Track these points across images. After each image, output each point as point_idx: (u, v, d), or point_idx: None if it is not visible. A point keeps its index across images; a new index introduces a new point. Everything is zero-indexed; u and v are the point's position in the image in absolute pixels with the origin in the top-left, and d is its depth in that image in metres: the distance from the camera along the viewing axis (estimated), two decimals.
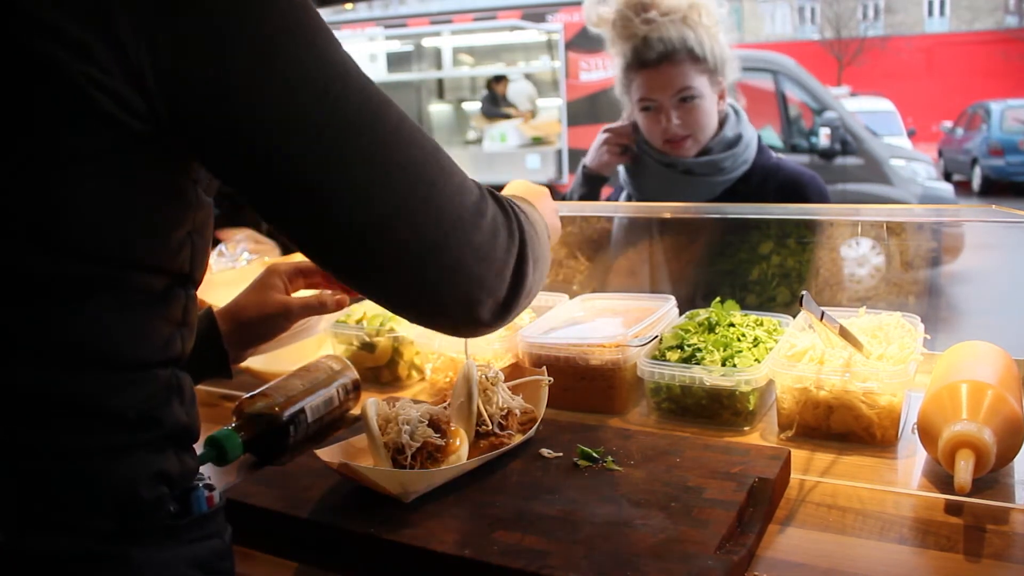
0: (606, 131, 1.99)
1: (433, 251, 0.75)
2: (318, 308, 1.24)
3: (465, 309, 0.80)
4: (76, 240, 0.67)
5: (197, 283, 0.81)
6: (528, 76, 10.52)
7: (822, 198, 1.95)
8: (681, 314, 1.51)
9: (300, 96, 0.69)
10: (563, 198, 2.10)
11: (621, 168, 2.06)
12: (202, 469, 0.84)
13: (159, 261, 0.74)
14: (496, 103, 9.57)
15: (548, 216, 1.04)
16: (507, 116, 9.36)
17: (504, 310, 0.83)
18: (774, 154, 2.01)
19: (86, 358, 0.69)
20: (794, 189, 1.91)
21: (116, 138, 0.66)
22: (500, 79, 9.73)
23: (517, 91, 9.62)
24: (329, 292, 1.27)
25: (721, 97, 1.93)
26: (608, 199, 2.19)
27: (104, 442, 0.70)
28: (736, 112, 1.96)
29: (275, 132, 0.69)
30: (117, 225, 0.69)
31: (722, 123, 1.93)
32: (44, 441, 0.68)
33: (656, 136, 1.92)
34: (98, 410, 0.70)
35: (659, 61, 1.84)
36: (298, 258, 1.34)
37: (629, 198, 2.07)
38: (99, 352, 0.70)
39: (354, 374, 1.40)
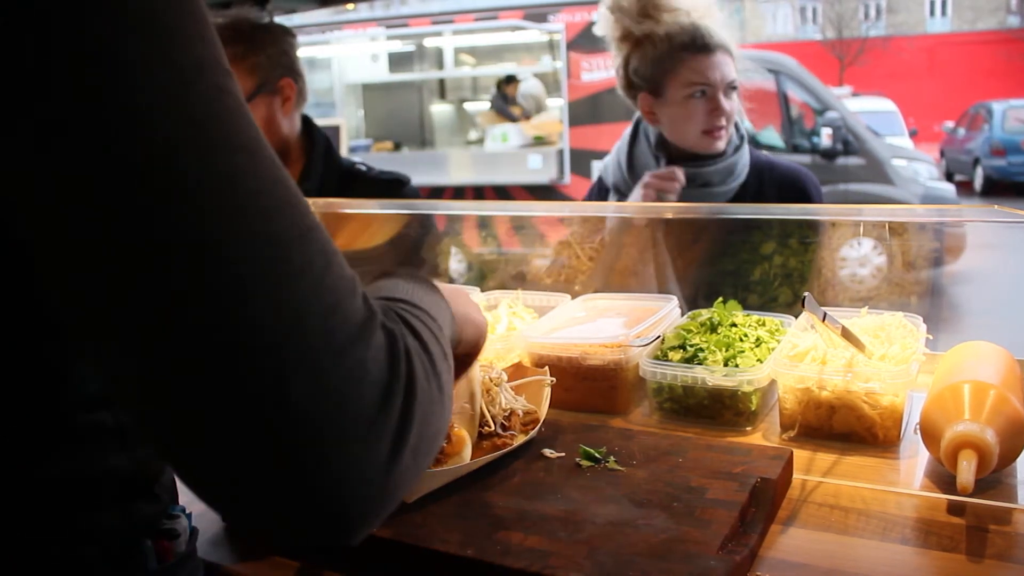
0: (651, 177, 1.89)
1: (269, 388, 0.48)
2: None
3: (277, 489, 0.49)
4: None
5: None
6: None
7: (818, 192, 1.97)
8: (683, 314, 1.51)
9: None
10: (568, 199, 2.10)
11: (616, 179, 2.05)
12: (184, 502, 0.72)
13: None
14: (506, 103, 9.58)
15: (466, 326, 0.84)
16: (514, 118, 9.36)
17: (363, 498, 0.51)
18: (762, 152, 2.02)
19: None
20: (793, 185, 1.93)
21: None
22: (511, 80, 9.73)
23: (526, 91, 9.61)
24: None
25: None
26: (588, 197, 2.19)
27: (10, 511, 0.60)
28: None
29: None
30: None
31: None
32: None
33: (698, 124, 1.88)
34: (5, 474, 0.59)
35: (715, 49, 1.84)
36: None
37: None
38: None
39: None
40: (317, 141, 2.13)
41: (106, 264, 0.47)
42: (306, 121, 2.15)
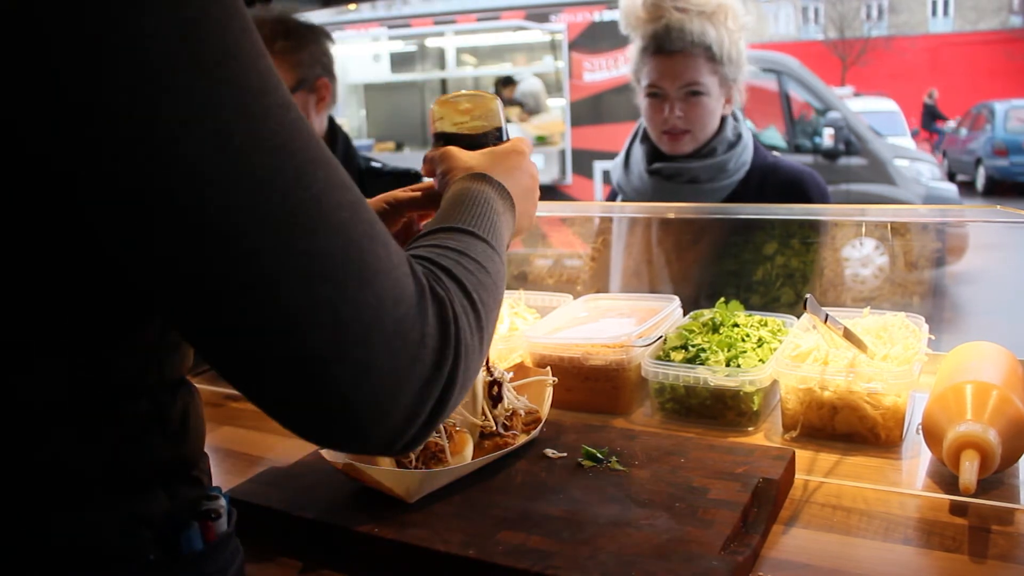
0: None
1: (323, 362, 0.58)
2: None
3: (350, 433, 0.62)
4: None
5: None
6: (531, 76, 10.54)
7: (822, 194, 1.96)
8: (685, 314, 1.51)
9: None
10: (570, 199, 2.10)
11: (618, 178, 2.05)
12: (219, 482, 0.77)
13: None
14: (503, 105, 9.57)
15: (519, 216, 0.93)
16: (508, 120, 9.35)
17: (410, 440, 0.65)
18: (770, 153, 2.02)
19: (29, 410, 0.61)
20: (795, 187, 1.92)
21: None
22: (508, 82, 9.73)
23: (527, 89, 9.60)
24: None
25: (728, 101, 1.93)
26: (609, 199, 2.19)
27: (62, 498, 0.63)
28: (734, 113, 1.97)
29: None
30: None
31: (723, 124, 1.94)
32: None
33: (656, 125, 1.92)
34: (55, 466, 0.62)
35: (675, 51, 1.84)
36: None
37: (623, 200, 2.07)
38: (42, 403, 0.61)
39: None
40: (339, 140, 2.19)
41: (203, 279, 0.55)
42: (330, 120, 2.21)
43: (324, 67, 2.09)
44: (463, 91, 1.07)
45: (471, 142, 0.99)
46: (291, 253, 0.56)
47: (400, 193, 1.07)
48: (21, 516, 0.62)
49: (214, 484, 0.78)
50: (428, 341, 0.62)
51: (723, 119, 1.94)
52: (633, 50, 1.95)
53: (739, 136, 1.94)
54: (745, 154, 1.94)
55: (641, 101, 1.95)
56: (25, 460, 0.62)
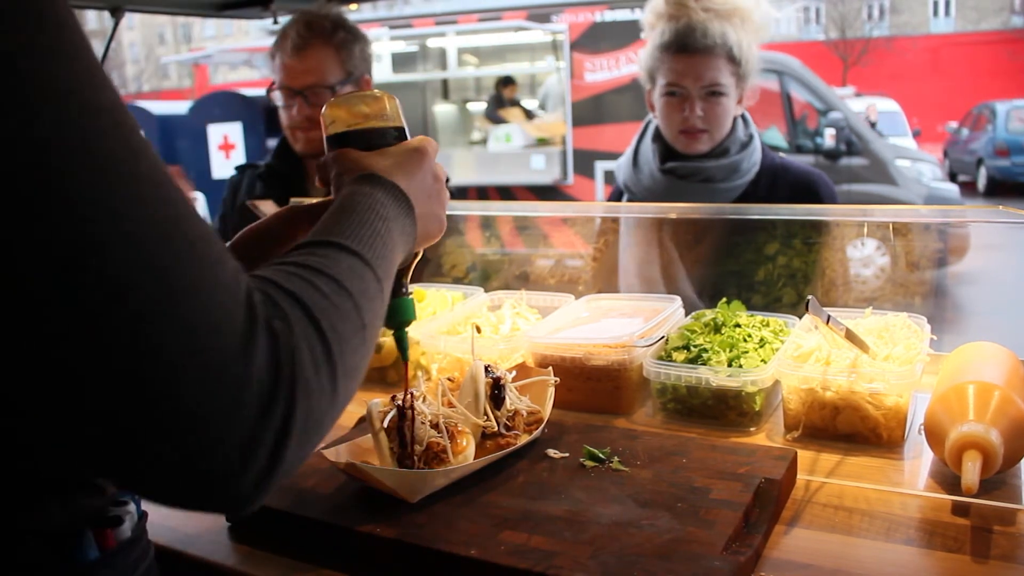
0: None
1: (124, 400, 0.51)
2: None
3: (175, 485, 0.55)
4: None
5: None
6: (532, 77, 10.53)
7: (832, 195, 1.96)
8: (687, 315, 1.51)
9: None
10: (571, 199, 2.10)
11: (625, 178, 2.04)
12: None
13: None
14: (502, 105, 9.57)
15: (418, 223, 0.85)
16: (504, 120, 9.36)
17: (245, 496, 0.57)
18: (776, 154, 2.02)
19: None
20: (806, 188, 1.92)
21: None
22: (508, 82, 9.73)
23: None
24: None
25: (739, 102, 1.93)
26: (609, 199, 2.19)
27: None
28: (743, 114, 1.97)
29: None
30: None
31: (734, 124, 1.94)
32: None
33: (674, 124, 1.91)
34: None
35: (698, 51, 1.84)
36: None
37: (630, 200, 2.07)
38: None
39: None
40: None
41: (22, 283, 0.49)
42: None
43: (368, 66, 2.19)
44: (357, 92, 1.03)
45: (369, 142, 0.92)
46: (81, 270, 0.50)
47: (302, 203, 1.00)
48: None
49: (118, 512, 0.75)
50: (254, 382, 0.55)
51: (735, 120, 1.94)
52: (648, 47, 1.93)
53: (751, 137, 1.95)
54: (755, 154, 1.94)
55: (657, 100, 1.94)
56: None
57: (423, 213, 0.87)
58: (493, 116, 9.50)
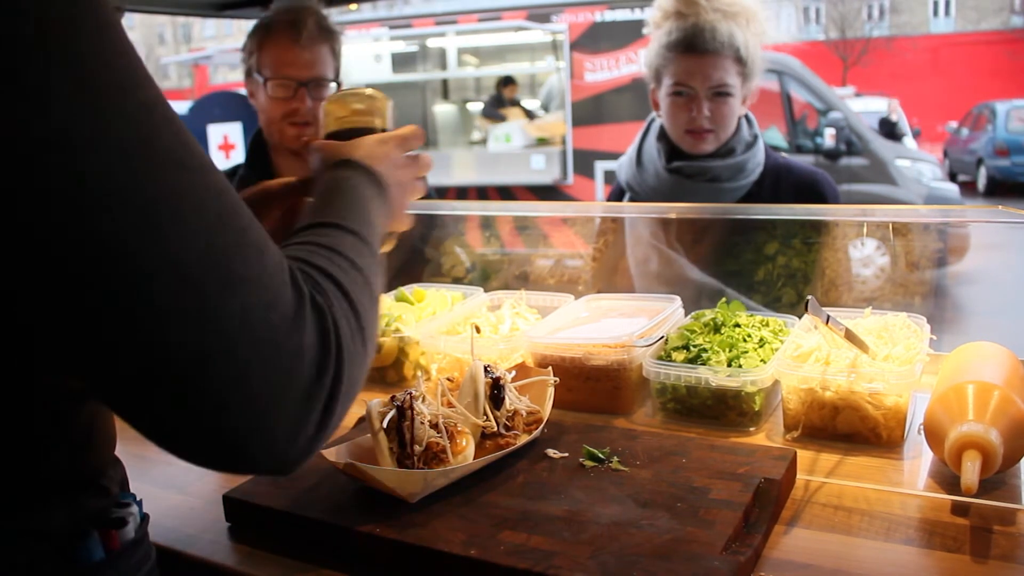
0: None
1: (190, 374, 0.55)
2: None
3: (233, 451, 0.59)
4: None
5: None
6: (532, 77, 10.52)
7: (835, 196, 1.96)
8: (687, 314, 1.51)
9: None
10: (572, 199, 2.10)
11: (628, 176, 2.04)
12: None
13: None
14: (501, 105, 9.57)
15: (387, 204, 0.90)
16: (503, 119, 9.36)
17: (298, 454, 0.62)
18: (779, 154, 2.02)
19: None
20: (810, 188, 1.92)
21: None
22: (509, 82, 9.73)
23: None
24: None
25: (743, 103, 1.93)
26: (609, 199, 2.19)
27: None
28: (747, 115, 1.97)
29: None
30: None
31: (739, 125, 1.94)
32: None
33: (680, 124, 1.91)
34: None
35: (707, 51, 1.84)
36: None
37: (633, 199, 2.07)
38: None
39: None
40: None
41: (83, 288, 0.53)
42: None
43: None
44: (355, 89, 1.08)
45: (352, 136, 0.98)
46: (141, 259, 0.53)
47: (271, 184, 1.05)
48: None
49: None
50: (307, 352, 0.60)
51: (739, 120, 1.94)
52: (653, 45, 1.93)
53: (755, 137, 1.95)
54: (760, 154, 1.94)
55: (664, 99, 1.93)
56: None
57: (394, 190, 0.93)
58: (492, 114, 9.50)
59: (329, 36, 2.09)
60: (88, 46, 0.54)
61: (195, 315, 0.54)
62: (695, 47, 1.84)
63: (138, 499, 0.78)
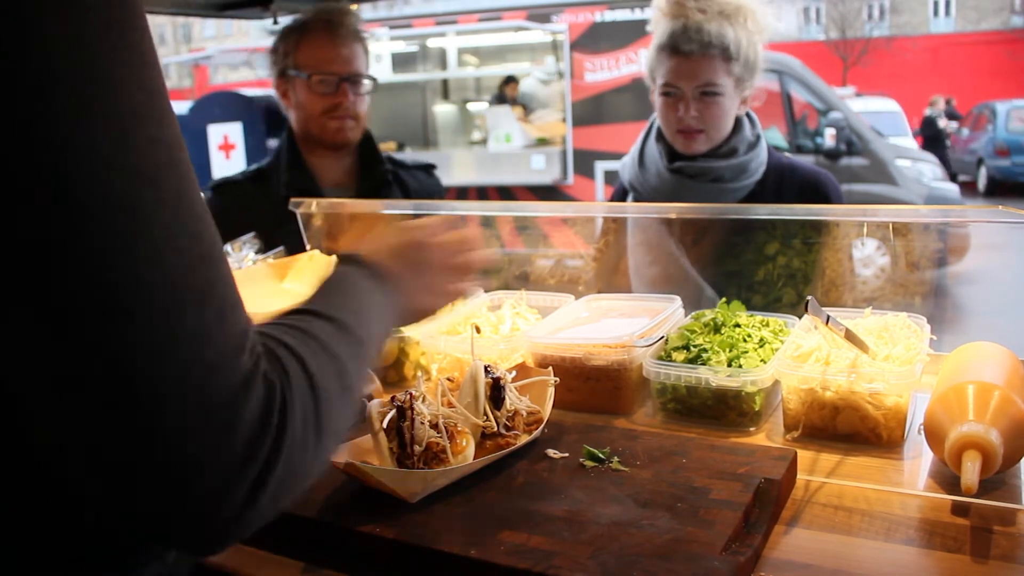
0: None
1: (115, 425, 0.54)
2: None
3: (144, 519, 0.57)
4: None
5: None
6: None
7: (839, 196, 1.96)
8: (687, 315, 1.51)
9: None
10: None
11: (630, 177, 2.04)
12: None
13: None
14: (504, 104, 9.57)
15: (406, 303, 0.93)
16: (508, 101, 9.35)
17: (220, 537, 0.59)
18: (782, 154, 2.02)
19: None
20: (814, 188, 1.92)
21: None
22: (511, 81, 9.73)
23: (526, 90, 9.58)
24: None
25: (743, 102, 1.93)
26: (612, 199, 2.19)
27: None
28: (749, 115, 1.97)
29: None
30: None
31: (740, 124, 1.94)
32: None
33: (671, 124, 1.92)
34: None
35: (693, 51, 1.84)
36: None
37: (635, 199, 2.07)
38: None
39: (374, 384, 1.40)
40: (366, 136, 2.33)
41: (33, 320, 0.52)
42: None
43: None
44: None
45: None
46: (105, 290, 0.52)
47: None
48: None
49: None
50: (242, 426, 0.56)
51: (740, 120, 1.94)
52: (650, 48, 1.94)
53: (758, 137, 1.95)
54: (763, 154, 1.94)
55: (656, 99, 1.95)
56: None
57: (410, 288, 0.94)
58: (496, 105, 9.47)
59: (361, 36, 2.17)
60: (112, 72, 0.54)
61: (133, 355, 0.53)
62: (680, 47, 1.84)
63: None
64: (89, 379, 0.53)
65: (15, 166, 0.50)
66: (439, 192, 2.43)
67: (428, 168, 2.40)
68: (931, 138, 13.18)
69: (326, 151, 2.18)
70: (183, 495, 0.55)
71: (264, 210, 2.01)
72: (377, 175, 2.24)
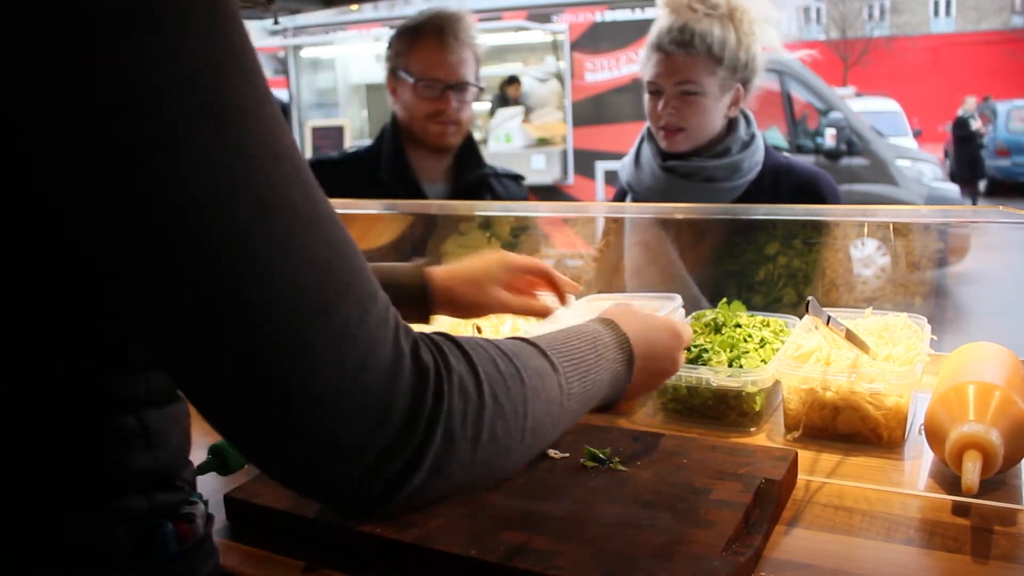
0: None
1: (289, 417, 0.58)
2: (527, 312, 1.28)
3: (314, 491, 0.63)
4: None
5: None
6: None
7: (835, 196, 1.96)
8: (687, 315, 1.51)
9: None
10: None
11: (628, 177, 2.05)
12: (201, 485, 0.81)
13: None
14: (505, 104, 9.57)
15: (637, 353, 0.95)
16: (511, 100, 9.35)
17: (369, 506, 0.63)
18: (780, 154, 2.02)
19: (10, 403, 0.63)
20: (810, 188, 1.92)
21: None
22: (512, 81, 9.74)
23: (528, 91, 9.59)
24: (542, 299, 1.31)
25: (735, 103, 1.92)
26: (613, 200, 2.19)
27: (44, 498, 0.66)
28: (745, 114, 1.97)
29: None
30: None
31: (735, 124, 1.94)
32: None
33: (653, 121, 1.94)
34: (39, 469, 0.65)
35: (675, 49, 1.84)
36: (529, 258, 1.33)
37: (633, 199, 2.07)
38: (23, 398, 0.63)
39: None
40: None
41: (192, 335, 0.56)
42: None
43: None
44: None
45: None
46: (253, 307, 0.55)
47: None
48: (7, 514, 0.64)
49: (200, 489, 0.80)
50: (395, 410, 0.59)
51: (734, 120, 1.94)
52: (644, 46, 1.95)
53: (752, 136, 1.95)
54: (758, 154, 1.94)
55: (644, 96, 1.96)
56: (10, 461, 0.64)
57: (642, 370, 0.96)
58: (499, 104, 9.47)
59: (472, 43, 2.18)
60: (235, 94, 0.55)
61: (292, 363, 0.56)
62: (664, 45, 1.85)
63: (205, 499, 0.80)
64: (243, 384, 0.56)
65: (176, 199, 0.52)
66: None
67: (517, 178, 2.44)
68: (963, 139, 13.07)
69: (427, 151, 2.23)
70: (335, 480, 0.60)
71: (359, 195, 2.08)
72: (474, 178, 2.28)
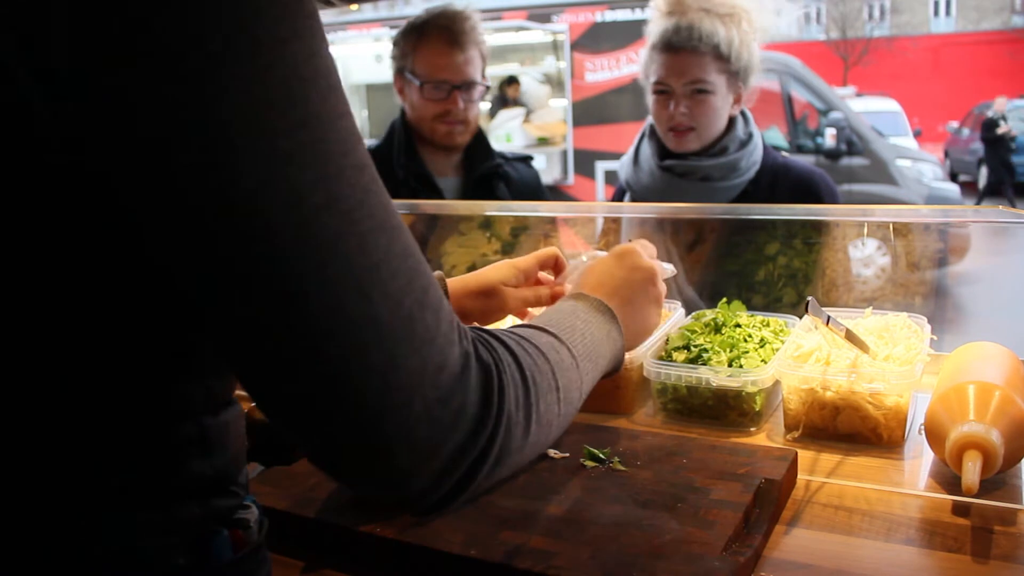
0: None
1: (369, 422, 0.58)
2: (546, 301, 1.28)
3: (385, 484, 0.63)
4: None
5: None
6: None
7: (832, 196, 1.96)
8: (687, 315, 1.51)
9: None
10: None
11: (626, 175, 2.05)
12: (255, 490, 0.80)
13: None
14: (505, 104, 9.57)
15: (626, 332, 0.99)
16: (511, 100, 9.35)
17: (437, 501, 0.64)
18: (780, 154, 2.02)
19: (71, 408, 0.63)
20: (807, 188, 1.92)
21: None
22: (512, 81, 9.74)
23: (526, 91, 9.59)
24: (547, 290, 1.31)
25: (736, 101, 1.93)
26: (612, 199, 2.19)
27: (95, 503, 0.65)
28: (743, 113, 1.97)
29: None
30: None
31: (733, 123, 1.94)
32: (35, 494, 0.64)
33: (662, 122, 1.93)
34: (95, 474, 0.65)
35: (683, 49, 1.84)
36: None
37: (632, 198, 2.07)
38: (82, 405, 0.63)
39: None
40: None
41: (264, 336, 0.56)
42: None
43: None
44: None
45: None
46: (346, 318, 0.56)
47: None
48: (59, 517, 0.64)
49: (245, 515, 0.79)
50: (468, 409, 0.62)
51: (733, 119, 1.94)
52: (645, 47, 1.95)
53: (750, 135, 1.95)
54: (756, 153, 1.94)
55: (649, 98, 1.96)
56: (71, 466, 0.64)
57: (626, 316, 1.01)
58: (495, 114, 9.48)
59: (479, 41, 2.17)
60: (319, 104, 0.56)
61: (381, 374, 0.57)
62: (672, 45, 1.86)
63: (258, 503, 0.79)
64: (331, 396, 0.57)
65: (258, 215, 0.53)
66: (536, 182, 2.45)
67: (526, 159, 2.44)
68: (992, 141, 13.03)
69: (435, 149, 2.23)
70: (411, 482, 0.61)
71: None
72: (485, 169, 2.28)
